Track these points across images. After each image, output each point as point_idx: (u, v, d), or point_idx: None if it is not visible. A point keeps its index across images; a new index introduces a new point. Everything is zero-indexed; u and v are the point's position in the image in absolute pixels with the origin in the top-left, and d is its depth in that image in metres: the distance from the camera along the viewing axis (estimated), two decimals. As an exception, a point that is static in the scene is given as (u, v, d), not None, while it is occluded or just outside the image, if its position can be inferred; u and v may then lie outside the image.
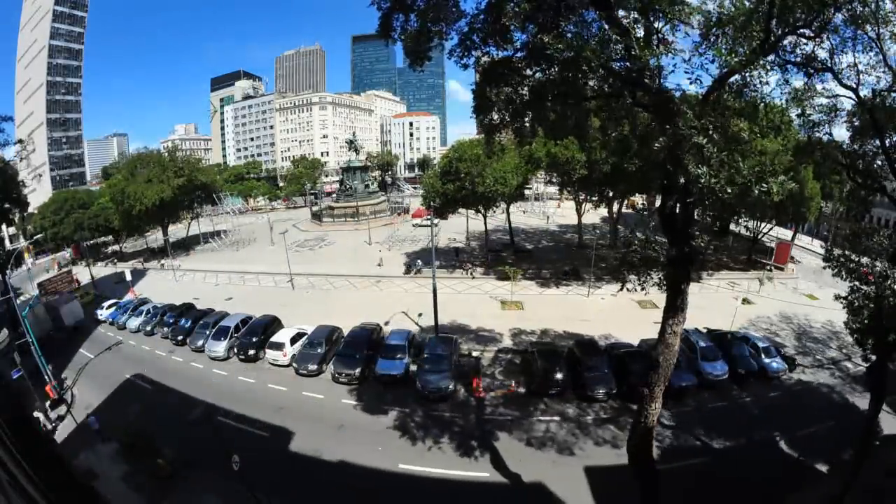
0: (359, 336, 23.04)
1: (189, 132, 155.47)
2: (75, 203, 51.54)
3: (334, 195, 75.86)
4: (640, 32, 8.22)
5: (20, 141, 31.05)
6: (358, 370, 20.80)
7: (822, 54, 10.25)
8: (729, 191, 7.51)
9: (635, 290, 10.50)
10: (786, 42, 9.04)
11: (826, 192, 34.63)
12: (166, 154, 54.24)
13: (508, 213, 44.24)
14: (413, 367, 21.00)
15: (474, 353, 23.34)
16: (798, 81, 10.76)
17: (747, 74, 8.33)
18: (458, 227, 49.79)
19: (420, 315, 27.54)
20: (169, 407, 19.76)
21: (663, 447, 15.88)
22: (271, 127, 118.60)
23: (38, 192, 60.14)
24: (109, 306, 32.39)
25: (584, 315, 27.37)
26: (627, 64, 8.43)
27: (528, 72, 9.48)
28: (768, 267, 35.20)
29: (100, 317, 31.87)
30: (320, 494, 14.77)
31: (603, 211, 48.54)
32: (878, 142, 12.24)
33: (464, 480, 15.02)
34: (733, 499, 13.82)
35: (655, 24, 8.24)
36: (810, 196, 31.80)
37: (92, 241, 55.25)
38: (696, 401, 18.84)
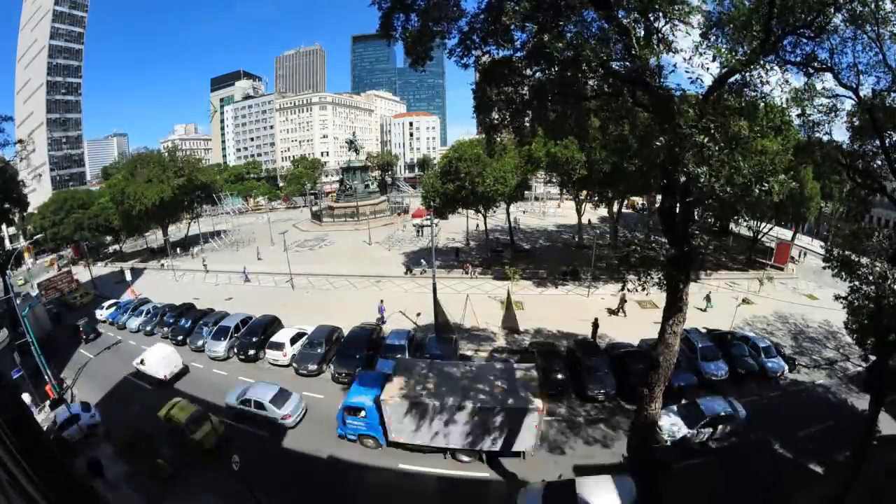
0: (359, 336, 23.04)
1: (189, 132, 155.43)
2: (75, 203, 51.55)
3: (334, 195, 75.85)
4: (641, 32, 8.22)
5: (20, 141, 30.98)
6: (358, 370, 20.79)
7: (822, 54, 10.26)
8: (729, 190, 7.52)
9: (636, 290, 10.50)
10: (786, 42, 9.04)
11: (826, 192, 34.62)
12: (166, 154, 54.25)
13: (508, 213, 44.23)
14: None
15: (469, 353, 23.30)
16: (798, 81, 10.77)
17: (747, 74, 8.33)
18: (457, 228, 49.84)
19: (419, 315, 27.53)
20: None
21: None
22: (271, 127, 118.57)
23: (38, 192, 60.16)
24: (109, 306, 32.42)
25: (584, 315, 27.34)
26: (627, 63, 8.44)
27: (528, 71, 9.48)
28: (767, 267, 35.21)
29: (99, 317, 31.91)
30: (320, 494, 14.78)
31: (601, 211, 48.56)
32: (878, 142, 12.24)
33: (464, 480, 15.04)
34: (733, 499, 13.82)
35: (655, 24, 8.24)
36: (810, 196, 31.77)
37: (94, 243, 55.31)
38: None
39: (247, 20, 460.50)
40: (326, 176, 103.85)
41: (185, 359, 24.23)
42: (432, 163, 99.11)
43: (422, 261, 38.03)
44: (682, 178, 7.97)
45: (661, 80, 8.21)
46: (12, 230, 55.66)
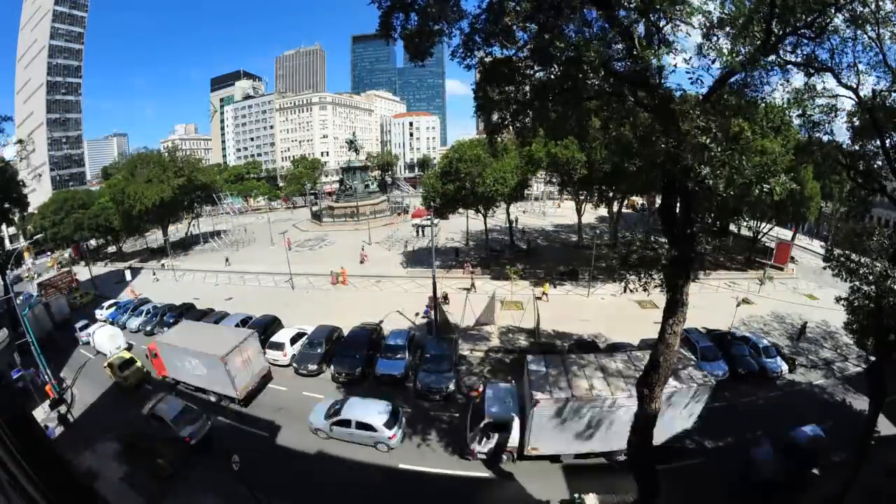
0: (359, 336, 23.03)
1: (189, 132, 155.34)
2: (75, 203, 51.53)
3: (334, 195, 75.85)
4: (641, 32, 8.22)
5: (20, 141, 31.00)
6: (358, 370, 20.80)
7: (823, 54, 10.25)
8: (730, 191, 7.52)
9: (637, 290, 10.50)
10: (786, 42, 9.03)
11: (826, 192, 34.64)
12: (166, 154, 54.24)
13: (508, 214, 44.25)
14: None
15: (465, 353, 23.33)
16: (798, 81, 10.77)
17: (748, 74, 8.33)
18: (455, 228, 49.86)
19: (417, 315, 27.52)
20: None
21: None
22: (271, 127, 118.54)
23: (38, 192, 60.25)
24: (109, 306, 32.41)
25: (584, 315, 27.36)
26: (628, 64, 8.43)
27: (529, 71, 9.47)
28: (766, 267, 35.23)
29: (99, 316, 31.90)
30: (320, 494, 14.77)
31: (599, 211, 48.60)
32: (878, 142, 12.24)
33: (465, 480, 15.04)
34: (733, 499, 13.81)
35: (657, 24, 8.24)
36: (810, 196, 31.77)
37: (94, 244, 55.33)
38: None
39: (247, 20, 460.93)
40: (326, 176, 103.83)
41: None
42: (432, 163, 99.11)
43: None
44: (684, 179, 7.97)
45: (662, 80, 8.21)
46: (12, 230, 55.68)
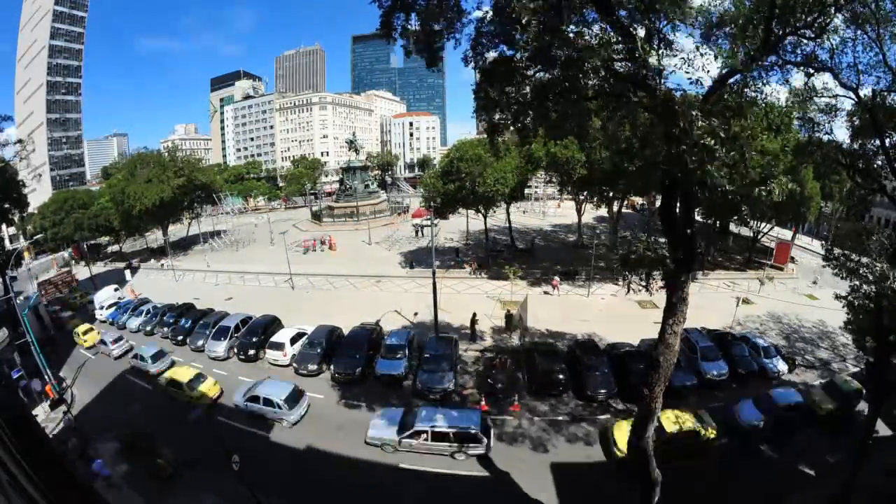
0: (359, 336, 23.04)
1: (189, 132, 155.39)
2: (75, 203, 51.52)
3: (334, 195, 75.84)
4: (642, 33, 8.22)
5: (20, 141, 30.94)
6: (358, 370, 20.81)
7: (823, 54, 10.26)
8: (733, 190, 7.52)
9: (638, 290, 10.50)
10: (786, 42, 9.04)
11: (826, 192, 34.61)
12: (166, 154, 54.19)
13: (508, 213, 44.25)
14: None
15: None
16: (798, 81, 10.77)
17: (748, 74, 8.33)
18: (454, 228, 49.85)
19: (416, 314, 27.50)
20: (169, 407, 19.75)
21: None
22: (271, 127, 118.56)
23: (38, 192, 60.00)
24: (109, 306, 32.40)
25: (584, 315, 27.35)
26: (629, 64, 8.43)
27: (530, 72, 9.47)
28: (765, 267, 35.24)
29: (99, 316, 31.91)
30: (321, 494, 14.77)
31: (599, 211, 48.59)
32: (878, 142, 12.24)
33: (465, 479, 15.04)
34: (733, 499, 13.82)
35: (657, 25, 8.24)
36: (810, 196, 31.74)
37: (93, 242, 55.31)
38: (697, 400, 18.83)
39: (247, 20, 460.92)
40: (326, 176, 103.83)
41: (185, 359, 24.29)
42: (432, 163, 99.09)
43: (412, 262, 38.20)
44: (684, 179, 7.96)
45: (662, 80, 8.21)
46: (12, 230, 55.65)
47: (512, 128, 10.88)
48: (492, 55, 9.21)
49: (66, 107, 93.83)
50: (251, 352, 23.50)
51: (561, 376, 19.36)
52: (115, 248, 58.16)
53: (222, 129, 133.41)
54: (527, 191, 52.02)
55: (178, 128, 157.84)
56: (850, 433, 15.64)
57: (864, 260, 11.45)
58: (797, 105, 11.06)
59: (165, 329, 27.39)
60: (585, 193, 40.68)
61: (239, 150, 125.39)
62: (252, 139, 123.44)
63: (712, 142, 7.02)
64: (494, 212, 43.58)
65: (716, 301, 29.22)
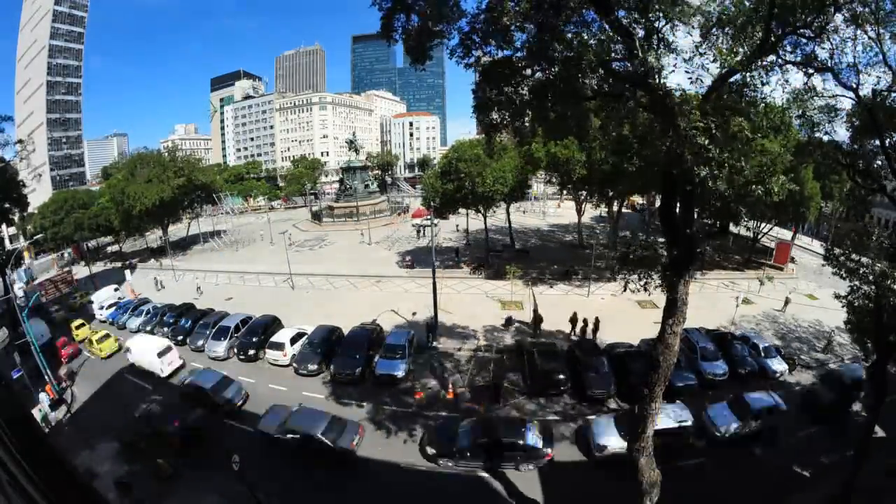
0: (359, 336, 23.04)
1: (189, 132, 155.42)
2: (75, 203, 51.51)
3: (334, 195, 75.85)
4: (641, 32, 8.22)
5: (20, 141, 30.98)
6: (358, 370, 20.81)
7: (823, 54, 10.26)
8: (730, 190, 7.52)
9: (638, 290, 10.50)
10: (786, 42, 9.04)
11: (826, 192, 34.60)
12: (166, 154, 54.23)
13: (508, 213, 44.25)
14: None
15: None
16: (798, 81, 10.76)
17: (747, 74, 8.33)
18: (452, 228, 49.77)
19: (414, 314, 27.52)
20: (168, 407, 19.73)
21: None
22: (271, 127, 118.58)
23: (38, 192, 60.15)
24: (109, 306, 32.41)
25: (584, 315, 27.31)
26: (628, 64, 8.43)
27: (528, 72, 9.47)
28: (764, 267, 35.25)
29: (99, 316, 31.92)
30: (320, 494, 14.77)
31: (598, 211, 48.62)
32: (878, 142, 12.24)
33: (465, 478, 15.04)
34: (733, 499, 13.82)
35: (656, 24, 8.24)
36: (810, 196, 31.74)
37: (93, 243, 55.32)
38: (696, 401, 18.83)
39: (247, 20, 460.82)
40: (326, 176, 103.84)
41: (185, 359, 24.29)
42: (432, 163, 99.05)
43: (408, 257, 38.17)
44: (683, 179, 7.97)
45: (662, 80, 8.21)
46: (12, 230, 55.67)
47: (511, 127, 10.89)
48: (478, 53, 9.19)
49: (66, 107, 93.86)
50: (251, 352, 23.50)
51: (561, 376, 19.36)
52: (115, 248, 58.15)
53: (222, 129, 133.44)
54: (527, 191, 52.02)
55: (178, 128, 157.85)
56: (850, 431, 15.57)
57: (864, 260, 11.44)
58: (796, 104, 11.04)
59: (165, 329, 27.39)
60: (585, 193, 40.71)
61: (239, 150, 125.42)
62: (252, 139, 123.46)
63: (707, 140, 7.02)
64: (494, 212, 43.57)
65: (716, 301, 29.22)
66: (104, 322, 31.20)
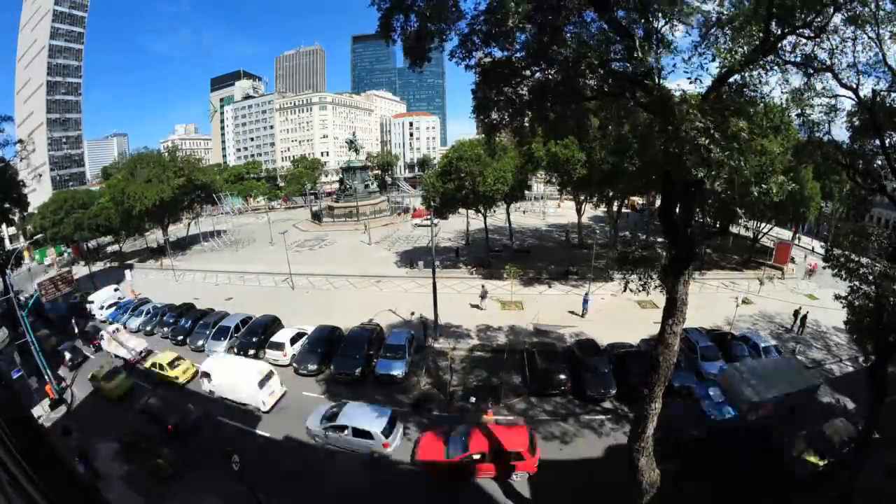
0: (359, 336, 23.05)
1: (189, 132, 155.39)
2: (75, 203, 51.47)
3: (334, 195, 75.88)
4: (640, 32, 8.22)
5: (20, 141, 30.97)
6: (358, 370, 20.82)
7: (822, 54, 10.26)
8: (729, 191, 7.52)
9: (638, 290, 10.51)
10: (786, 42, 9.04)
11: (826, 192, 34.59)
12: (166, 154, 54.24)
13: (508, 213, 44.24)
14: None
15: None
16: (798, 81, 10.76)
17: (747, 74, 8.33)
18: (450, 228, 49.79)
19: (412, 314, 27.57)
20: (168, 407, 19.75)
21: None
22: (271, 127, 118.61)
23: (38, 192, 60.04)
24: (109, 306, 32.42)
25: (585, 315, 27.35)
26: (627, 64, 8.43)
27: (528, 72, 9.47)
28: (763, 267, 35.25)
29: (99, 316, 31.92)
30: (321, 494, 14.77)
31: (597, 211, 48.58)
32: (878, 142, 12.23)
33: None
34: (733, 499, 13.80)
35: (655, 24, 8.24)
36: (810, 196, 31.73)
37: (93, 243, 55.32)
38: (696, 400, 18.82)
39: (247, 20, 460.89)
40: (326, 176, 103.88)
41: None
42: (432, 163, 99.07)
43: (420, 262, 38.09)
44: (683, 179, 7.97)
45: (661, 80, 8.21)
46: (12, 230, 55.66)
47: (511, 127, 10.89)
48: (479, 54, 9.20)
49: (66, 107, 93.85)
50: (251, 352, 23.50)
51: (561, 376, 19.36)
52: (115, 247, 58.16)
53: (222, 129, 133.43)
54: (527, 191, 52.04)
55: (178, 128, 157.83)
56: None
57: (864, 260, 11.43)
58: (796, 104, 11.04)
59: (165, 329, 27.40)
60: (585, 193, 40.69)
61: (239, 150, 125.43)
62: (252, 139, 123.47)
63: (706, 140, 7.03)
64: (494, 212, 43.57)
65: (715, 301, 29.21)
66: (104, 321, 31.06)
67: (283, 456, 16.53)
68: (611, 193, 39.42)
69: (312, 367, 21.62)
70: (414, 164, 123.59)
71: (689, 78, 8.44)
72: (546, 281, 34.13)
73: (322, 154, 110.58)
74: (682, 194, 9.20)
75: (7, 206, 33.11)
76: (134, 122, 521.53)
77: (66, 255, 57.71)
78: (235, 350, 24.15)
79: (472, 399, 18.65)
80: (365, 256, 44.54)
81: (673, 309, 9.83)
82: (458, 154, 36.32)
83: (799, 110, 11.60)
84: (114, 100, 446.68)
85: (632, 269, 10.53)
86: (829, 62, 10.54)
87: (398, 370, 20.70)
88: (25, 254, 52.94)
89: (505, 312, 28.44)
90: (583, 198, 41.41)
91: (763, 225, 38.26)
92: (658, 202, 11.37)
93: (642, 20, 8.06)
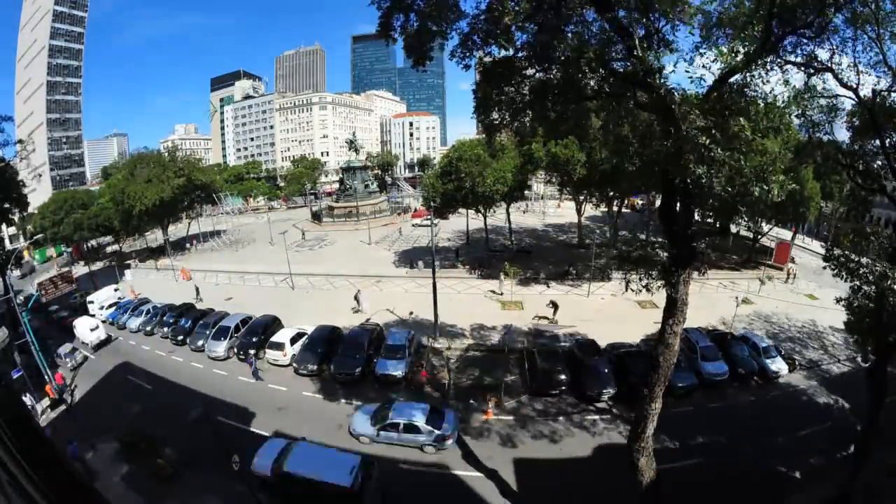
0: (359, 336, 23.05)
1: (189, 132, 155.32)
2: (75, 203, 51.50)
3: (334, 195, 75.89)
4: (641, 32, 8.22)
5: (20, 141, 30.99)
6: (358, 370, 20.82)
7: (823, 54, 10.26)
8: (730, 190, 7.52)
9: (639, 290, 10.50)
10: (786, 42, 9.04)
11: (826, 192, 34.60)
12: (166, 154, 54.22)
13: (508, 213, 44.24)
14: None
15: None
16: (798, 81, 10.77)
17: (748, 74, 8.33)
18: (448, 228, 49.78)
19: (411, 314, 27.59)
20: (169, 407, 19.78)
21: (663, 446, 15.89)
22: (271, 127, 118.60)
23: (38, 192, 60.09)
24: (109, 306, 32.40)
25: (584, 315, 27.33)
26: (628, 64, 8.43)
27: (529, 72, 9.47)
28: (762, 266, 35.23)
29: (99, 316, 31.88)
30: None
31: (596, 211, 48.59)
32: (878, 142, 12.23)
33: (466, 477, 15.04)
34: (733, 499, 13.81)
35: (656, 24, 8.24)
36: (810, 196, 31.74)
37: (93, 243, 55.35)
38: (696, 400, 18.84)
39: (247, 20, 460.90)
40: (326, 176, 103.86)
41: (185, 359, 24.32)
42: (432, 163, 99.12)
43: (420, 262, 38.10)
44: (684, 179, 7.96)
45: (662, 80, 8.21)
46: (12, 230, 55.67)
47: (511, 128, 10.88)
48: (479, 54, 9.19)
49: (66, 107, 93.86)
50: (251, 352, 23.50)
51: (562, 376, 19.35)
52: (115, 247, 58.18)
53: (222, 129, 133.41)
54: (527, 191, 52.08)
55: (178, 128, 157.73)
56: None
57: (864, 260, 11.44)
58: (796, 104, 11.05)
59: (165, 329, 27.39)
60: (585, 193, 40.70)
61: (239, 150, 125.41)
62: (252, 139, 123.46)
63: (707, 140, 7.02)
64: (494, 212, 43.57)
65: (716, 301, 29.21)
66: (104, 321, 31.04)
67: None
68: (611, 193, 39.43)
69: (312, 367, 21.62)
70: (414, 164, 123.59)
71: (690, 77, 8.44)
72: (543, 281, 34.10)
73: (322, 154, 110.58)
74: (682, 194, 9.20)
75: (7, 206, 33.11)
76: (134, 122, 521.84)
77: (65, 254, 57.68)
78: (235, 350, 24.15)
79: (472, 401, 18.67)
80: (365, 256, 44.54)
81: (673, 309, 9.82)
82: (459, 154, 36.34)
83: (799, 110, 11.60)
84: (114, 100, 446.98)
85: (632, 268, 10.53)
86: (829, 62, 10.54)
87: (398, 370, 20.69)
88: (25, 254, 52.93)
89: (505, 312, 28.44)
90: (583, 198, 41.42)
91: (763, 225, 38.25)
92: (658, 202, 11.36)
93: (643, 20, 8.06)
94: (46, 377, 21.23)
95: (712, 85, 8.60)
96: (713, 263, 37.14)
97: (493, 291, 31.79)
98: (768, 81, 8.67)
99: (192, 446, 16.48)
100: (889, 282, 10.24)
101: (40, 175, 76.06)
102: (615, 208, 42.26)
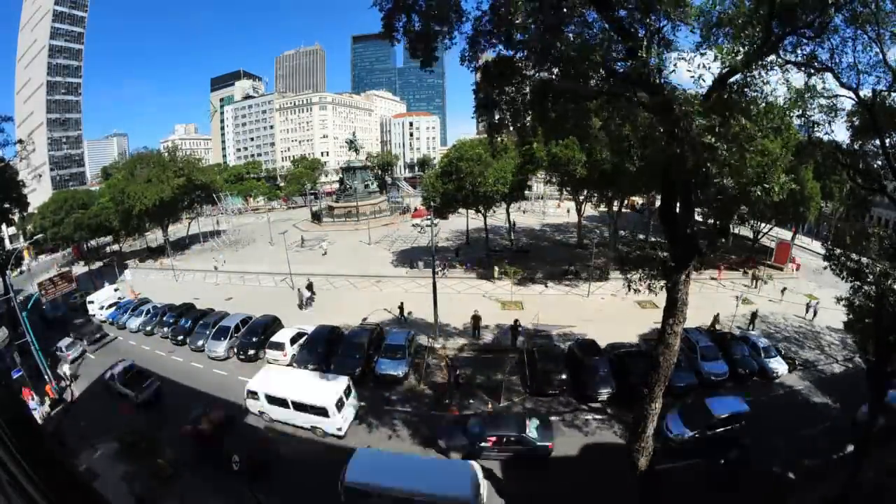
0: (359, 336, 23.04)
1: (189, 132, 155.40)
2: (75, 203, 51.51)
3: (334, 195, 75.91)
4: (642, 32, 8.22)
5: (20, 141, 31.00)
6: (358, 370, 20.80)
7: (823, 54, 10.25)
8: (732, 188, 7.52)
9: (641, 291, 10.51)
10: (786, 42, 9.03)
11: (826, 192, 34.64)
12: (166, 154, 54.22)
13: (508, 213, 44.23)
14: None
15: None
16: (798, 81, 10.75)
17: (748, 74, 8.33)
18: (447, 228, 49.76)
19: (410, 314, 27.57)
20: (168, 407, 19.77)
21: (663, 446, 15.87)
22: (271, 127, 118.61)
23: (38, 192, 60.15)
24: (109, 306, 32.40)
25: (584, 315, 27.34)
26: (629, 64, 8.43)
27: (529, 72, 9.46)
28: (759, 266, 35.29)
29: (99, 316, 31.89)
30: (321, 494, 14.75)
31: (596, 211, 48.59)
32: (878, 142, 12.23)
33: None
34: (733, 499, 13.81)
35: (657, 25, 8.23)
36: (810, 196, 31.78)
37: (93, 242, 55.35)
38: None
39: (247, 20, 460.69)
40: (326, 176, 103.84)
41: (185, 359, 24.27)
42: (432, 163, 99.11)
43: (420, 262, 38.11)
44: (685, 178, 7.96)
45: (663, 80, 8.21)
46: (12, 230, 55.66)
47: (511, 127, 10.87)
48: (489, 55, 9.19)
49: (66, 107, 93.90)
50: (251, 352, 23.50)
51: (562, 376, 19.35)
52: (115, 247, 58.20)
53: (222, 129, 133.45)
54: (527, 191, 52.07)
55: (178, 128, 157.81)
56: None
57: (865, 260, 11.44)
58: (796, 104, 11.04)
59: (165, 329, 27.38)
60: (585, 193, 40.70)
61: (239, 150, 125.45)
62: (252, 139, 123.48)
63: (712, 139, 7.02)
64: (494, 212, 43.57)
65: (715, 301, 29.21)
66: (104, 321, 31.12)
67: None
68: (611, 193, 39.43)
69: (312, 367, 21.58)
70: (414, 164, 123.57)
71: (691, 77, 8.43)
72: (541, 281, 34.09)
73: (322, 154, 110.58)
74: (682, 194, 9.20)
75: (7, 206, 33.12)
76: (134, 122, 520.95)
77: (65, 254, 57.67)
78: (236, 350, 24.14)
79: (471, 401, 18.67)
80: (365, 256, 44.54)
81: (673, 309, 9.83)
82: (459, 154, 36.35)
83: (800, 111, 11.59)
84: (114, 100, 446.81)
85: (632, 268, 10.54)
86: (829, 62, 10.53)
87: (398, 370, 20.69)
88: (25, 254, 52.91)
89: (505, 312, 28.42)
90: (582, 198, 41.43)
91: (763, 225, 38.26)
92: (658, 202, 11.36)
93: (644, 20, 8.06)
94: (46, 377, 21.24)
95: (712, 85, 8.60)
96: (711, 262, 37.22)
97: (487, 281, 31.59)
98: (768, 81, 8.67)
99: (192, 446, 16.52)
100: (889, 281, 10.25)
101: (40, 175, 76.18)
102: (615, 208, 42.27)
